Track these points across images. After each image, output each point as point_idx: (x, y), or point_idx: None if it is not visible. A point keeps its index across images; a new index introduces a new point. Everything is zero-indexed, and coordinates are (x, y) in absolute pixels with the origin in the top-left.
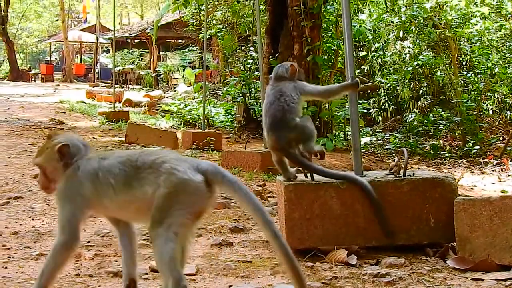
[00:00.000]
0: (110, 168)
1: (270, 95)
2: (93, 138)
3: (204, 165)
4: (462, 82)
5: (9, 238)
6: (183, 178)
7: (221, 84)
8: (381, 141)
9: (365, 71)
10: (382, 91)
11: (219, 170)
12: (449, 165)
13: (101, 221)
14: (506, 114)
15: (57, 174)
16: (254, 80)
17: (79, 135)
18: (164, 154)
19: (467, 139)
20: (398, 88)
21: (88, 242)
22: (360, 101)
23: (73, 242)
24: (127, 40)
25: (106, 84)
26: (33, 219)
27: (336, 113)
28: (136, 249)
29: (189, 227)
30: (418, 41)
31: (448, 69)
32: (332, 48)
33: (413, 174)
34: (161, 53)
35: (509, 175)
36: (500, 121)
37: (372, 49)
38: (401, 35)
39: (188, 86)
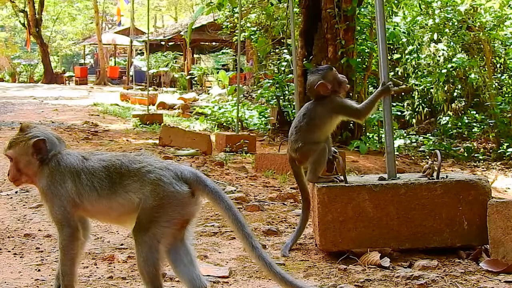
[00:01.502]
0: (94, 172)
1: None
2: (127, 140)
3: (186, 173)
4: (496, 84)
5: (42, 240)
6: (169, 190)
7: (255, 86)
8: (415, 143)
9: (399, 73)
10: (416, 93)
11: (201, 179)
12: (483, 168)
13: None
14: None
15: (30, 169)
16: (288, 83)
17: (52, 131)
18: (147, 162)
19: (501, 141)
20: (432, 90)
21: (122, 244)
22: (394, 104)
23: (76, 231)
24: (161, 42)
25: (140, 87)
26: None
27: (370, 116)
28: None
29: (174, 236)
30: (452, 43)
31: (482, 71)
32: (366, 51)
33: (446, 176)
34: (195, 55)
35: None
36: None
37: (406, 51)
38: (435, 38)
39: (222, 89)
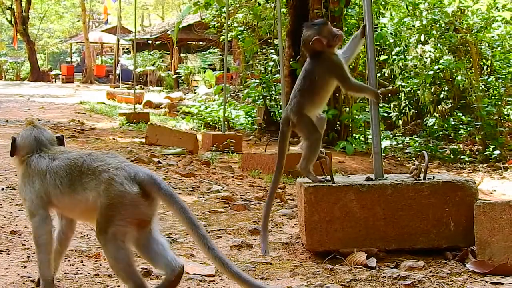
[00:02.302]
0: (58, 170)
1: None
2: (113, 139)
3: (141, 174)
4: (483, 86)
5: (28, 237)
6: (119, 190)
7: (241, 86)
8: (401, 144)
9: (386, 74)
10: (403, 95)
11: (155, 181)
12: (469, 170)
13: None
14: None
15: (15, 166)
16: (275, 83)
17: (47, 128)
18: (106, 161)
19: (487, 143)
20: (418, 92)
21: None
22: (381, 105)
23: (46, 217)
24: (148, 41)
25: (127, 86)
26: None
27: (357, 117)
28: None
29: (138, 233)
30: (439, 45)
31: (469, 73)
32: None
33: (433, 177)
34: (182, 55)
35: None
36: None
37: (393, 52)
38: (422, 39)
39: (208, 88)
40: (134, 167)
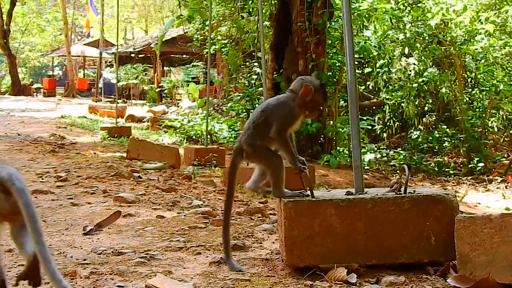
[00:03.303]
0: None
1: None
2: (94, 153)
3: (4, 173)
4: (467, 99)
5: (3, 255)
6: None
7: (225, 99)
8: (386, 157)
9: (370, 87)
10: (387, 107)
11: (10, 177)
12: (453, 182)
13: (98, 239)
14: (511, 132)
15: None
16: (258, 96)
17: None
18: None
19: (472, 156)
20: (403, 104)
21: (84, 260)
22: (365, 118)
23: None
24: (131, 55)
25: (109, 99)
26: None
27: (341, 130)
28: None
29: (12, 225)
30: (423, 57)
31: (453, 86)
32: (337, 64)
33: (414, 191)
34: (165, 68)
35: None
36: (505, 139)
37: (377, 65)
38: (406, 52)
39: (192, 102)
40: (1, 167)
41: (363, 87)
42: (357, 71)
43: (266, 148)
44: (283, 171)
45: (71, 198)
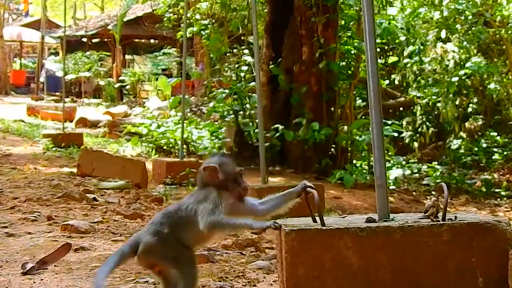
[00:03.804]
0: None
1: None
2: (35, 168)
3: None
4: None
5: None
6: None
7: (205, 98)
8: (417, 174)
9: (396, 82)
10: (419, 108)
11: None
12: (506, 207)
13: (42, 280)
14: None
15: None
16: (249, 93)
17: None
18: None
19: None
20: (439, 104)
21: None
22: (390, 122)
23: None
24: (83, 39)
25: (54, 98)
26: None
27: (357, 137)
28: None
29: None
30: (465, 43)
31: (504, 80)
32: (353, 52)
33: (455, 217)
34: (127, 57)
35: None
36: None
37: (405, 53)
38: (443, 36)
39: (162, 101)
40: None
41: (387, 81)
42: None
43: (176, 242)
44: (197, 279)
45: (6, 227)
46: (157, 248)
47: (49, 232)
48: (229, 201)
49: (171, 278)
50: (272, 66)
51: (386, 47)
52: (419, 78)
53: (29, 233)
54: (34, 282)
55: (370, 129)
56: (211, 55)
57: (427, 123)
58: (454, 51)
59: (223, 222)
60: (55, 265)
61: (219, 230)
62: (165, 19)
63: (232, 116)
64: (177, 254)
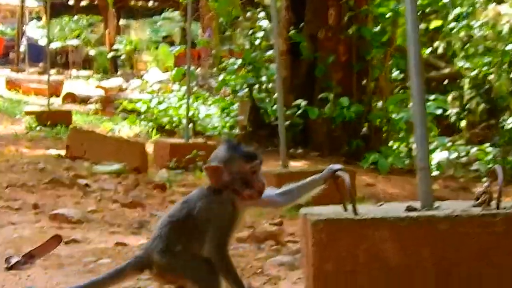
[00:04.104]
0: None
1: None
2: (17, 150)
3: None
4: None
5: None
6: None
7: (214, 70)
8: (465, 158)
9: (440, 50)
10: (467, 81)
11: None
12: None
13: (29, 276)
14: None
15: None
16: (266, 63)
17: None
18: None
19: None
20: (491, 77)
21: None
22: (432, 97)
23: None
24: (69, 2)
25: (37, 69)
26: None
27: (394, 115)
28: None
29: None
30: None
31: None
32: (388, 16)
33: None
34: (121, 22)
35: None
36: None
37: (451, 17)
38: None
39: (163, 73)
40: None
41: (429, 50)
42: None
43: (191, 256)
44: (216, 276)
45: None
46: (172, 267)
47: (35, 222)
48: (243, 209)
49: None
50: (292, 32)
51: (427, 10)
52: (467, 46)
53: (12, 223)
54: (20, 279)
55: (409, 105)
56: (221, 20)
57: (477, 99)
58: (509, 14)
59: (220, 263)
60: (43, 260)
61: (218, 267)
62: None
63: (246, 90)
64: (194, 268)
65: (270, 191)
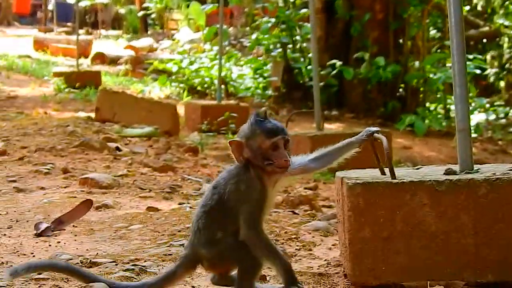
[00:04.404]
0: None
1: None
2: (45, 113)
3: None
4: None
5: None
6: None
7: (247, 28)
8: (504, 120)
9: (480, 7)
10: (506, 40)
11: None
12: None
13: (58, 242)
14: None
15: None
16: (300, 23)
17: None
18: None
19: None
20: None
21: (38, 274)
22: (471, 56)
23: None
24: None
25: (65, 29)
26: None
27: (432, 76)
28: None
29: None
30: None
31: None
32: None
33: None
34: None
35: None
36: None
37: None
38: None
39: (194, 33)
40: None
41: (468, 7)
42: None
43: (232, 239)
44: (260, 268)
45: (14, 181)
46: (220, 256)
47: (65, 187)
48: (270, 195)
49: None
50: None
51: None
52: (507, 2)
53: (42, 188)
54: (50, 245)
55: (447, 65)
56: None
57: None
58: None
59: (258, 244)
60: (73, 226)
61: (252, 248)
62: None
63: (280, 50)
64: (237, 251)
65: (301, 158)
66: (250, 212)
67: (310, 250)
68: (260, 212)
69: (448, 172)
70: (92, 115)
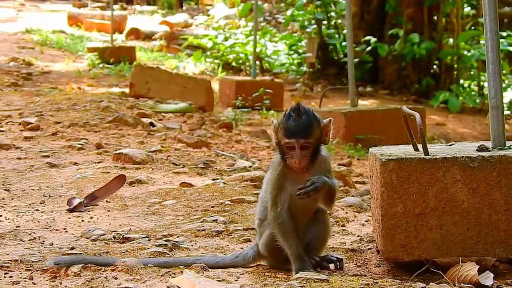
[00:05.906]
0: None
1: None
2: (79, 88)
3: None
4: None
5: None
6: None
7: (282, 4)
8: None
9: None
10: None
11: None
12: None
13: (91, 218)
14: None
15: None
16: None
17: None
18: None
19: None
20: None
21: (72, 249)
22: (505, 33)
23: None
24: None
25: (100, 4)
26: None
27: (466, 52)
28: None
29: None
30: None
31: None
32: None
33: None
34: None
35: None
36: None
37: None
38: None
39: (229, 8)
40: None
41: None
42: None
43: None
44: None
45: (47, 156)
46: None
47: (98, 163)
48: (292, 177)
49: None
50: None
51: None
52: None
53: (75, 163)
54: (83, 221)
55: (482, 41)
56: None
57: None
58: None
59: (274, 226)
60: (106, 201)
61: (272, 229)
62: None
63: (315, 26)
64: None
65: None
66: (269, 193)
67: (343, 226)
68: (274, 194)
69: (481, 148)
70: (126, 90)
